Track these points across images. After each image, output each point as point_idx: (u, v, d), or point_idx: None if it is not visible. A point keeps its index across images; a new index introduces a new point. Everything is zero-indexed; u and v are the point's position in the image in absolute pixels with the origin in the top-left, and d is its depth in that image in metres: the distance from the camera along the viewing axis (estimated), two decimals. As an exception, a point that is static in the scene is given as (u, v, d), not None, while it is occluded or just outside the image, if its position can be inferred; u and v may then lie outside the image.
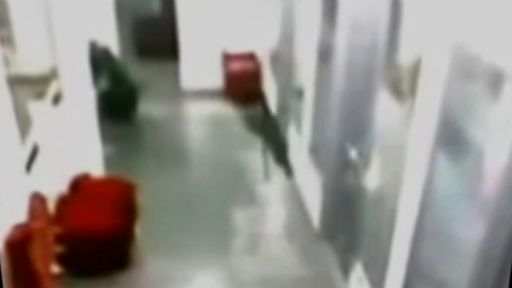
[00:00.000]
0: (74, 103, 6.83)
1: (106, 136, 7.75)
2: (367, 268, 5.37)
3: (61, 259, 4.90)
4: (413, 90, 4.00)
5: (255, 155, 8.64)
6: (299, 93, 7.59)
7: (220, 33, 10.72)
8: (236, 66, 10.79)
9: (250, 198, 7.71)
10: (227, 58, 10.85)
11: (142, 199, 6.33)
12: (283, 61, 8.96)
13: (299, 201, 7.56)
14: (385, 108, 4.98)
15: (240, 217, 7.28)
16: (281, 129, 8.41)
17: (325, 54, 6.38)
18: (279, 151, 8.07)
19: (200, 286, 6.18)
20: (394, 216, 4.36)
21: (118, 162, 8.01)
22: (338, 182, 6.10)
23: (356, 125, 5.60)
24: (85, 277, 5.72)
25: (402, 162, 4.17)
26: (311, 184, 7.16)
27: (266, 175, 8.12)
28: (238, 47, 10.85)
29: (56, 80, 6.74)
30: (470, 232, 3.31)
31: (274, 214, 7.43)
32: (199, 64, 10.84)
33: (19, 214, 4.51)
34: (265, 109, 8.89)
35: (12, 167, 4.64)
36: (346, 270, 5.95)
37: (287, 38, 8.57)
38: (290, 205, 7.56)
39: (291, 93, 8.28)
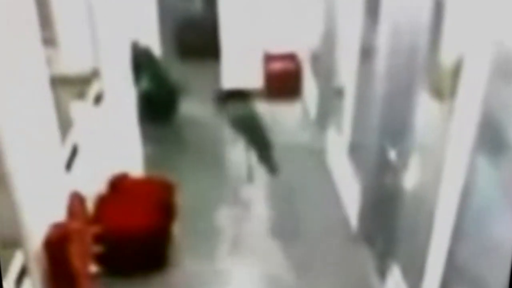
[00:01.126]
0: (115, 103, 6.87)
1: (146, 136, 7.79)
2: (404, 271, 5.30)
3: (99, 259, 4.93)
4: (453, 91, 3.94)
5: (290, 157, 8.64)
6: (340, 94, 7.52)
7: (261, 33, 10.66)
8: (276, 66, 10.74)
9: (289, 199, 7.67)
10: (268, 58, 10.79)
11: (180, 199, 6.34)
12: (324, 61, 8.87)
13: (337, 202, 7.49)
14: (425, 109, 4.92)
15: (277, 216, 7.26)
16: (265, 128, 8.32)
17: (366, 54, 6.34)
18: (262, 150, 7.96)
19: (236, 287, 6.18)
20: (432, 218, 4.30)
21: (158, 162, 8.02)
22: (376, 184, 6.03)
23: (395, 126, 5.52)
24: (122, 277, 5.73)
25: (441, 163, 4.11)
26: (349, 186, 7.10)
27: (250, 175, 8.06)
28: (279, 47, 10.79)
29: (98, 80, 6.79)
30: (509, 233, 3.24)
31: (311, 216, 7.36)
32: (240, 64, 10.79)
33: (58, 214, 4.53)
34: (249, 107, 8.77)
35: (52, 167, 4.67)
36: (383, 273, 5.88)
37: (329, 38, 8.50)
38: (328, 206, 7.49)
39: (331, 93, 8.22)
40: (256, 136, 8.04)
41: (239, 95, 8.87)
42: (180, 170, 7.73)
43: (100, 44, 6.72)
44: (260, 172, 8.01)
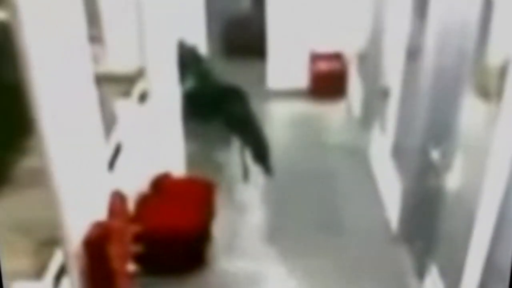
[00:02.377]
0: (159, 102, 6.87)
1: (190, 136, 7.77)
2: (442, 271, 5.25)
3: (138, 258, 4.91)
4: (500, 91, 3.85)
5: (333, 157, 8.56)
6: (385, 94, 7.42)
7: (308, 32, 10.60)
8: (322, 65, 10.67)
9: (331, 198, 7.60)
10: (314, 57, 10.72)
11: (221, 199, 6.31)
12: (370, 61, 8.79)
13: (379, 202, 7.42)
14: (470, 109, 4.84)
15: (317, 216, 7.19)
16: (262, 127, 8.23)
17: (413, 54, 6.26)
18: (258, 150, 7.85)
19: (276, 287, 6.12)
20: (473, 219, 4.25)
21: (200, 161, 8.01)
22: (418, 184, 5.96)
23: (440, 126, 5.46)
24: (161, 277, 5.73)
25: (485, 165, 4.04)
26: (391, 186, 7.04)
27: (246, 175, 7.96)
28: (325, 47, 10.69)
29: (143, 79, 6.79)
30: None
31: (352, 215, 7.29)
32: (286, 64, 10.75)
33: (99, 213, 4.53)
34: (246, 107, 8.66)
35: (95, 165, 4.67)
36: (421, 273, 5.84)
37: (376, 37, 8.41)
38: (369, 206, 7.41)
39: (376, 93, 8.12)
40: (252, 136, 7.96)
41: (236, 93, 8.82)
42: (221, 170, 7.71)
43: (146, 42, 6.73)
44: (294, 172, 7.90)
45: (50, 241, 4.02)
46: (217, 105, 9.63)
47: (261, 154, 7.92)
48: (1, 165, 4.30)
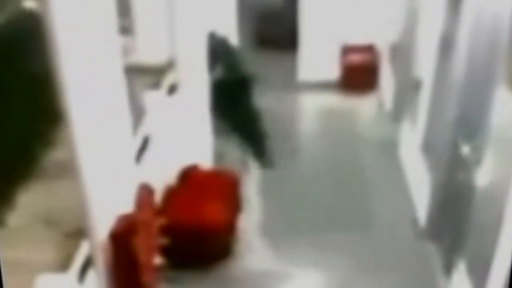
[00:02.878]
0: (189, 94, 6.85)
1: (218, 127, 7.74)
2: (470, 268, 5.19)
3: (164, 251, 4.89)
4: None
5: (363, 149, 8.49)
6: (416, 87, 7.34)
7: (340, 24, 10.50)
8: (354, 57, 10.57)
9: (359, 192, 7.53)
10: (346, 49, 10.62)
11: (248, 192, 6.29)
12: (402, 53, 8.70)
13: (407, 197, 7.35)
14: (502, 103, 4.77)
15: (345, 210, 7.16)
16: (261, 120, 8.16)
17: (446, 47, 6.19)
18: (258, 143, 7.77)
19: (301, 282, 6.09)
20: (502, 215, 4.20)
21: (228, 153, 7.97)
22: (448, 179, 5.89)
23: (471, 120, 5.38)
24: (187, 270, 5.73)
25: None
26: (420, 180, 6.97)
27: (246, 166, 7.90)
28: (357, 39, 10.59)
29: (173, 70, 6.78)
30: None
31: (380, 210, 7.24)
32: (317, 56, 10.66)
33: (126, 205, 4.51)
34: (248, 99, 8.61)
35: (122, 157, 4.66)
36: (448, 269, 5.77)
37: (409, 30, 8.32)
38: (398, 201, 7.35)
39: (408, 86, 8.03)
40: (252, 128, 7.87)
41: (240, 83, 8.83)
42: (248, 161, 7.70)
43: (177, 34, 6.71)
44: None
45: (76, 233, 4.02)
46: (238, 96, 9.60)
47: (262, 147, 7.91)
48: (29, 157, 4.32)
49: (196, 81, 7.02)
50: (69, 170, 3.88)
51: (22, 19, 4.79)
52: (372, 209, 7.26)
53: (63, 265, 3.80)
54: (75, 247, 3.99)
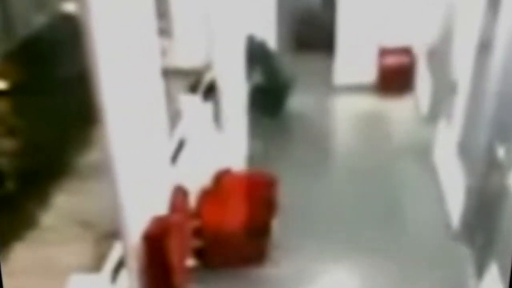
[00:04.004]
0: (225, 96, 6.83)
1: (254, 130, 7.72)
2: (502, 272, 5.06)
3: (197, 253, 4.88)
4: None
5: (397, 151, 8.43)
6: (453, 90, 7.24)
7: (378, 27, 10.41)
8: (391, 60, 10.46)
9: (393, 194, 7.48)
10: (383, 52, 10.52)
11: (282, 195, 6.25)
12: (439, 56, 8.61)
13: (441, 199, 7.25)
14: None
15: (379, 212, 7.10)
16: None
17: (483, 50, 6.09)
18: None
19: (334, 283, 6.04)
20: None
21: (263, 156, 7.95)
22: (482, 182, 5.83)
23: (507, 123, 5.32)
24: (220, 272, 5.70)
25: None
26: (454, 183, 6.88)
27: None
28: (395, 41, 10.48)
29: (210, 73, 6.77)
30: None
31: (414, 211, 7.16)
32: (354, 59, 10.58)
33: (160, 207, 4.50)
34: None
35: (158, 159, 4.65)
36: (480, 272, 5.68)
37: (446, 33, 8.23)
38: (431, 203, 7.26)
39: (444, 89, 7.92)
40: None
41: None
42: (284, 165, 7.66)
43: (215, 37, 6.69)
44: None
45: (110, 234, 4.02)
46: (282, 100, 9.60)
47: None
48: (65, 158, 4.33)
49: (233, 84, 7.00)
50: (104, 171, 3.88)
51: (61, 21, 4.83)
52: (406, 211, 7.18)
53: (96, 266, 3.80)
54: (108, 248, 3.98)
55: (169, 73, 5.31)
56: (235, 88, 7.07)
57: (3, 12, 4.28)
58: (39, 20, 4.81)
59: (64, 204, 3.90)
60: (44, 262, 3.55)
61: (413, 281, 6.01)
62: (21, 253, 3.35)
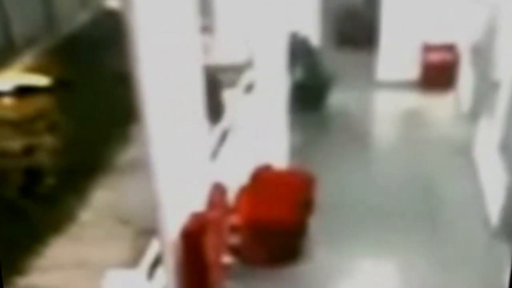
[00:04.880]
0: (266, 93, 6.77)
1: (295, 126, 7.66)
2: None
3: (234, 250, 4.84)
4: None
5: (438, 148, 8.29)
6: (496, 87, 7.09)
7: (421, 24, 10.26)
8: (434, 56, 10.32)
9: (432, 191, 7.35)
10: (426, 48, 10.38)
11: (320, 192, 6.18)
12: (483, 53, 8.47)
13: (480, 197, 7.14)
14: None
15: (418, 209, 6.98)
16: None
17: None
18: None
19: (368, 282, 5.96)
20: None
21: (304, 152, 7.86)
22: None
23: None
24: (256, 268, 5.66)
25: None
26: (495, 181, 6.77)
27: None
28: (439, 38, 10.31)
29: (251, 69, 6.72)
30: None
31: (453, 209, 7.05)
32: (397, 55, 10.45)
33: (199, 203, 4.47)
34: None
35: (198, 156, 4.61)
36: None
37: (490, 30, 8.09)
38: (471, 200, 7.14)
39: (487, 86, 7.77)
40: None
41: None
42: (325, 161, 7.61)
43: (256, 34, 6.64)
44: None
45: (148, 230, 4.00)
46: (323, 96, 9.53)
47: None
48: (104, 154, 4.33)
49: (274, 80, 6.93)
50: (142, 168, 3.86)
51: (104, 18, 4.83)
52: (445, 207, 7.08)
53: (133, 262, 3.79)
54: (145, 245, 3.96)
55: (210, 69, 5.27)
56: (276, 84, 7.00)
57: (47, 9, 4.29)
58: (82, 16, 4.82)
59: (103, 200, 3.89)
60: (82, 257, 3.54)
61: (450, 277, 5.92)
62: (59, 249, 3.35)
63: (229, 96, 6.16)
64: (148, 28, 3.50)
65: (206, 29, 6.44)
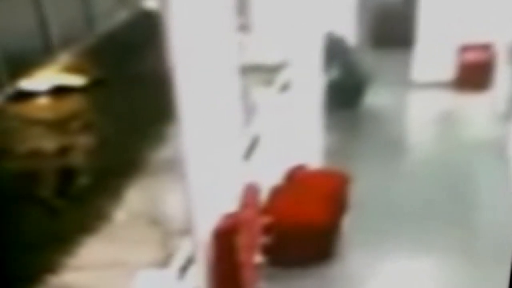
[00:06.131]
0: (301, 93, 6.70)
1: (330, 126, 7.58)
2: None
3: (267, 250, 4.78)
4: None
5: (472, 148, 8.15)
6: None
7: (458, 24, 10.09)
8: (471, 56, 10.15)
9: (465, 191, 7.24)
10: (463, 48, 10.21)
11: (354, 192, 6.11)
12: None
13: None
14: None
15: (452, 210, 6.85)
16: None
17: None
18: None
19: (400, 282, 5.86)
20: None
21: (338, 152, 7.78)
22: None
23: None
24: (290, 268, 5.61)
25: None
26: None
27: None
28: (476, 38, 10.12)
29: (287, 68, 6.66)
30: None
31: (485, 209, 6.92)
32: (433, 55, 10.30)
33: (231, 203, 4.42)
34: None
35: (231, 156, 4.55)
36: None
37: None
38: (504, 202, 6.96)
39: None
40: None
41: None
42: (359, 161, 7.52)
43: (293, 33, 6.58)
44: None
45: (180, 230, 3.96)
46: (359, 95, 9.43)
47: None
48: (138, 154, 4.30)
49: (309, 80, 6.86)
50: (176, 168, 3.83)
51: (142, 18, 4.81)
52: (479, 207, 6.94)
53: (165, 262, 3.76)
54: (177, 245, 3.93)
55: (246, 69, 5.22)
56: (312, 83, 6.92)
57: (86, 9, 4.28)
58: (120, 16, 4.81)
59: (136, 200, 3.87)
60: (114, 257, 3.53)
61: (483, 278, 5.77)
62: (92, 248, 3.34)
63: (263, 95, 6.10)
64: (184, 28, 3.47)
65: (242, 27, 6.39)
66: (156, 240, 3.77)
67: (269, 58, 6.61)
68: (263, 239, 4.77)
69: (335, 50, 8.87)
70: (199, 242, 3.98)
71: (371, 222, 6.50)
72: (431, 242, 6.37)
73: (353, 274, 5.89)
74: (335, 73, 9.01)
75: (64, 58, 3.76)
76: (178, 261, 3.83)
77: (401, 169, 7.92)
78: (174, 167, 3.80)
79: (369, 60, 9.79)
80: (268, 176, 5.73)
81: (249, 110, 5.48)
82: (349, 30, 10.17)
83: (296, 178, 6.10)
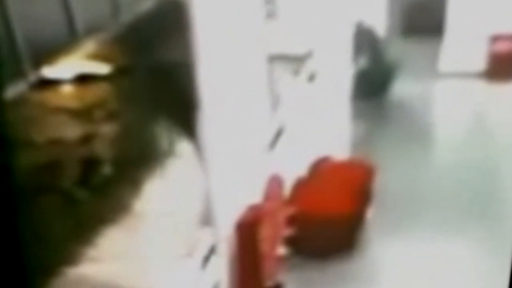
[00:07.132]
0: (329, 82, 6.59)
1: (357, 115, 7.48)
2: None
3: (290, 241, 4.72)
4: None
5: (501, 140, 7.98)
6: None
7: (489, 13, 9.88)
8: (503, 46, 9.95)
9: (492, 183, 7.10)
10: (494, 38, 10.00)
11: (380, 182, 6.01)
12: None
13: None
14: None
15: (475, 200, 6.76)
16: None
17: None
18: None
19: (425, 273, 5.74)
20: None
21: (365, 142, 7.69)
22: None
23: None
24: (312, 260, 5.53)
25: None
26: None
27: None
28: (506, 28, 9.91)
29: (314, 58, 6.54)
30: None
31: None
32: (463, 45, 10.10)
33: (255, 195, 4.35)
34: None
35: (255, 147, 4.49)
36: None
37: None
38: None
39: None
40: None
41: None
42: (384, 151, 7.41)
43: (321, 23, 6.46)
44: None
45: (202, 221, 3.90)
46: (386, 85, 9.30)
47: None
48: (160, 144, 4.25)
49: (337, 70, 6.74)
50: (199, 158, 3.77)
51: (167, 6, 4.74)
52: (505, 201, 6.80)
53: (186, 253, 3.70)
54: (199, 236, 3.87)
55: (272, 58, 5.13)
56: (339, 73, 6.81)
57: (112, -3, 4.22)
58: (146, 4, 4.74)
59: (158, 190, 3.82)
60: (135, 248, 3.48)
61: (506, 271, 5.67)
62: (113, 239, 3.30)
63: (289, 85, 6.00)
64: (210, 16, 3.41)
65: (269, 15, 6.28)
66: (178, 231, 3.72)
67: (295, 47, 6.50)
68: (287, 231, 4.70)
69: (363, 40, 8.76)
70: (222, 234, 3.92)
71: (395, 213, 6.40)
72: (455, 234, 6.26)
73: (377, 265, 5.81)
74: (363, 62, 8.90)
75: (89, 45, 3.70)
76: (200, 252, 3.78)
77: (427, 160, 7.79)
78: (198, 157, 3.73)
79: (398, 49, 9.64)
80: (293, 167, 5.64)
81: (275, 100, 5.39)
82: (379, 18, 10.00)
83: (322, 169, 6.01)
